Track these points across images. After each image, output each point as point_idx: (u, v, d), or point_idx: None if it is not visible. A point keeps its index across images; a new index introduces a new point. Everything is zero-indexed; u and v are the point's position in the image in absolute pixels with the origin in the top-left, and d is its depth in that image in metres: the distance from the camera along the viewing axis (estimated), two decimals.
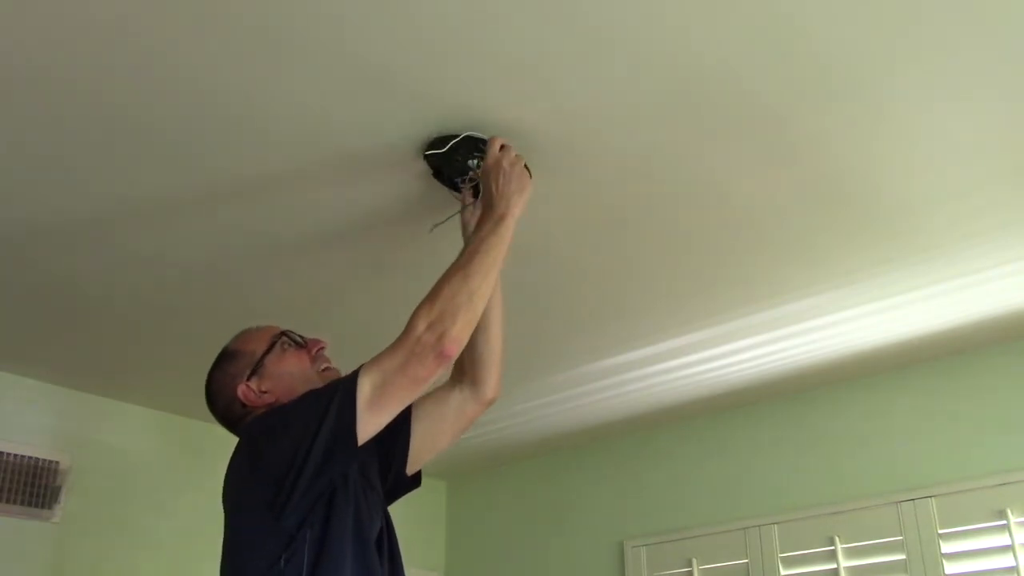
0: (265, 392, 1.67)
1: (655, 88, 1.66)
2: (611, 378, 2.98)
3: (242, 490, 1.55)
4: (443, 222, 1.94)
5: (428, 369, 1.48)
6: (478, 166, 1.79)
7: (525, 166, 1.76)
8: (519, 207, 1.67)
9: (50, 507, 2.78)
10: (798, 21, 1.50)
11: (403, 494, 1.82)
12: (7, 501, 2.70)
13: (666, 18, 1.49)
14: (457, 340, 1.49)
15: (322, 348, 1.75)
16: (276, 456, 1.47)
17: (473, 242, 1.62)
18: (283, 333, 1.74)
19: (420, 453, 1.79)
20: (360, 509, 1.55)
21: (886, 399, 2.97)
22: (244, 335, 1.76)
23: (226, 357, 1.73)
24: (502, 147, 1.73)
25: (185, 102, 1.67)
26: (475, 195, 1.86)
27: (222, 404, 1.71)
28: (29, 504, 2.74)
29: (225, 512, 1.58)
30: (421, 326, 1.48)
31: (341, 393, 1.47)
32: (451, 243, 2.16)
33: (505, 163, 1.70)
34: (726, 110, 1.73)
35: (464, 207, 1.88)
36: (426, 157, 1.82)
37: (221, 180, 1.91)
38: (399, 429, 1.76)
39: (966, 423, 2.80)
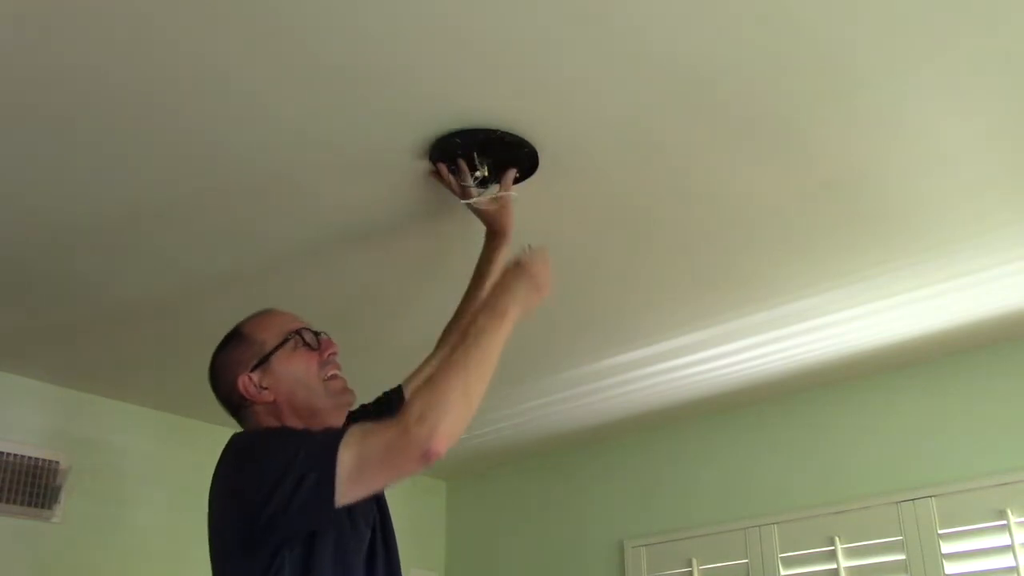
0: (266, 389, 1.62)
1: (655, 88, 1.66)
2: (611, 378, 2.98)
3: (219, 515, 1.52)
4: (473, 202, 1.90)
5: (410, 464, 1.39)
6: (487, 169, 1.82)
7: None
8: (522, 310, 1.58)
9: (50, 507, 2.78)
10: (800, 21, 1.50)
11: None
12: (7, 501, 2.69)
13: (668, 18, 1.49)
14: (447, 436, 1.38)
15: (334, 353, 1.69)
16: (251, 501, 1.41)
17: (471, 331, 1.53)
18: (298, 331, 1.67)
19: None
20: (343, 531, 1.51)
21: (886, 399, 2.97)
22: (260, 319, 1.71)
23: (236, 339, 1.68)
24: (532, 249, 1.66)
25: (189, 101, 1.67)
26: (483, 181, 1.86)
27: (223, 388, 1.66)
28: (29, 504, 2.73)
29: (208, 527, 1.54)
30: (414, 414, 1.39)
31: (323, 461, 1.39)
32: (458, 244, 2.16)
33: (531, 263, 1.63)
34: (726, 110, 1.73)
35: (471, 199, 1.87)
36: (433, 149, 1.82)
37: (222, 180, 1.91)
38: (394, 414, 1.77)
39: (966, 423, 2.79)
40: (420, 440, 1.36)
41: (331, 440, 1.41)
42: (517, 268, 1.63)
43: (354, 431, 1.42)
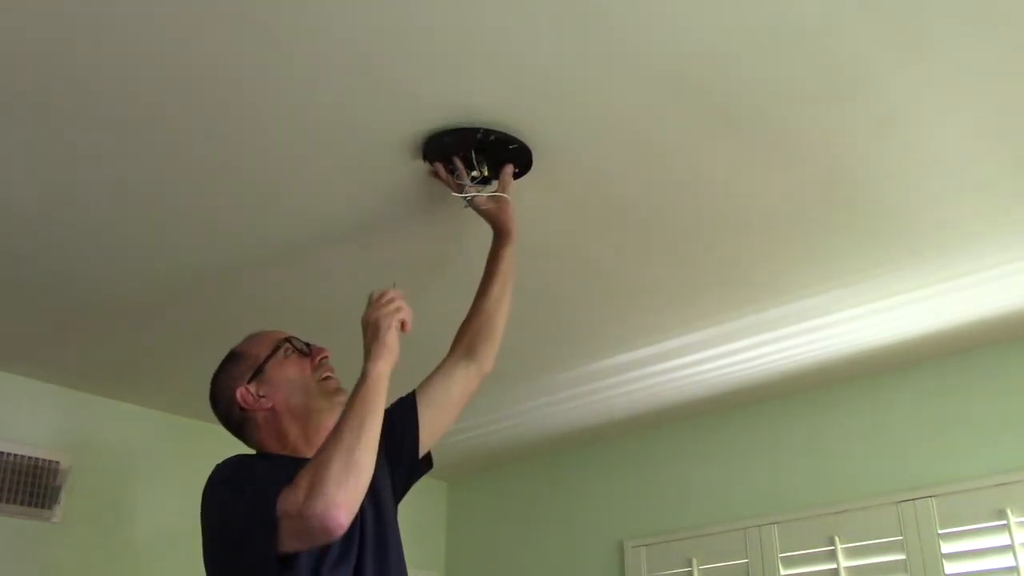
0: (263, 397, 1.67)
1: (656, 87, 1.66)
2: (611, 378, 2.98)
3: (205, 535, 1.57)
4: (467, 197, 1.90)
5: (316, 538, 1.41)
6: (484, 168, 1.82)
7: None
8: (381, 360, 1.55)
9: (50, 507, 2.78)
10: (800, 20, 1.51)
11: (418, 479, 1.83)
12: (7, 501, 2.69)
13: (667, 16, 1.49)
14: (341, 507, 1.38)
15: (325, 357, 1.75)
16: (210, 550, 1.54)
17: (348, 401, 1.55)
18: (287, 339, 1.75)
19: (429, 436, 1.81)
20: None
21: (886, 399, 2.97)
22: (250, 338, 1.77)
23: (231, 359, 1.75)
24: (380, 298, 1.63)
25: (186, 101, 1.67)
26: (483, 180, 1.87)
27: (223, 406, 1.72)
28: (29, 504, 2.73)
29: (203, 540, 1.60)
30: (302, 493, 1.39)
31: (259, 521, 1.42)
32: (454, 246, 2.16)
33: (372, 316, 1.60)
34: (727, 110, 1.73)
35: (468, 198, 1.87)
36: (430, 148, 1.81)
37: (222, 182, 1.91)
38: (405, 421, 1.78)
39: (966, 423, 2.79)
40: (316, 516, 1.37)
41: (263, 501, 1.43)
42: (363, 323, 1.60)
43: (286, 490, 1.42)
